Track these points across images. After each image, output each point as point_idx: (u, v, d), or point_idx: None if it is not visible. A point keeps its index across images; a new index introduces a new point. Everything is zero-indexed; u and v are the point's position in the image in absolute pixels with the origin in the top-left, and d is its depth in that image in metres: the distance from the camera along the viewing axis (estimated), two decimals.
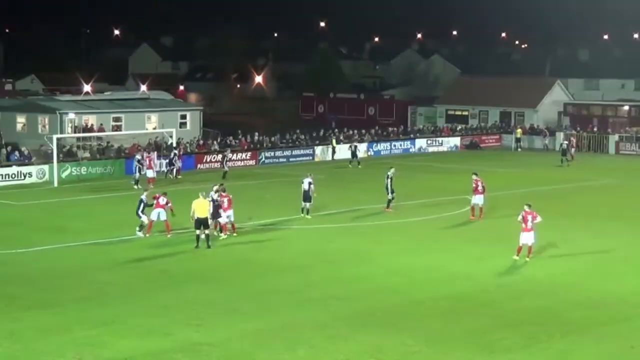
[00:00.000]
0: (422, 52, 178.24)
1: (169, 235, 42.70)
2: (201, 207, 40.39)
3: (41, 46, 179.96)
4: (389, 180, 50.06)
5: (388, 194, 50.10)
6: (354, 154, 73.64)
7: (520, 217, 38.07)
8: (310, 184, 48.00)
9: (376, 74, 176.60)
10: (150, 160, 60.95)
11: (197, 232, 40.29)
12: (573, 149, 79.64)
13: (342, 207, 51.56)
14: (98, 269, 36.34)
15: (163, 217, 42.82)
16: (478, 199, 47.71)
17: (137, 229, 42.93)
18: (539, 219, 37.92)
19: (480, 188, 47.71)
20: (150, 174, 60.22)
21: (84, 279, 34.75)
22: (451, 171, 70.96)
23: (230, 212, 42.41)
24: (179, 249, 40.53)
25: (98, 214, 49.57)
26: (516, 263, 37.54)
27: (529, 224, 37.68)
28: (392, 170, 50.89)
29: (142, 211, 42.69)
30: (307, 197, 47.88)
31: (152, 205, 42.88)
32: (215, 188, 42.99)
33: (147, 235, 42.54)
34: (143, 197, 43.14)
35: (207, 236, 40.17)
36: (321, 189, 57.43)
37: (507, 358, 26.04)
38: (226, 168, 64.91)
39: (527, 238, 37.78)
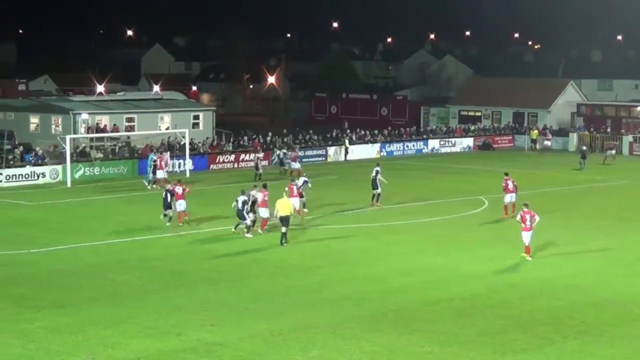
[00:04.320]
0: (434, 52, 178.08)
1: (180, 224, 44.81)
2: (284, 206, 41.36)
3: (54, 47, 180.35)
4: (379, 175, 51.97)
5: (377, 189, 51.66)
6: (281, 163, 69.84)
7: (519, 217, 38.71)
8: (305, 182, 50.06)
9: (389, 74, 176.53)
10: (161, 161, 60.95)
11: (283, 229, 41.06)
12: (613, 151, 78.58)
13: (354, 208, 51.55)
14: (111, 269, 36.39)
15: (182, 207, 45.38)
16: (510, 197, 48.00)
17: (165, 220, 45.59)
18: (537, 218, 38.20)
19: (511, 187, 48.30)
20: (160, 174, 60.18)
21: (96, 279, 34.80)
22: (464, 172, 70.90)
23: (265, 209, 43.34)
24: (191, 249, 40.61)
25: (111, 215, 49.62)
26: (528, 263, 37.47)
27: (528, 223, 38.04)
28: (380, 166, 53.27)
29: (172, 200, 45.48)
30: (301, 193, 49.25)
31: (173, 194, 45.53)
32: (257, 189, 44.40)
33: (180, 224, 45.12)
34: (170, 187, 46.19)
35: (284, 234, 41.05)
36: (333, 189, 57.69)
37: (521, 359, 25.97)
38: (260, 170, 64.97)
39: (526, 236, 38.19)
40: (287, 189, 45.89)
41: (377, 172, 52.35)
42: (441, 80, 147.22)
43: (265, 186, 44.58)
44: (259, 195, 43.36)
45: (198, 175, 66.40)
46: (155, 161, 60.67)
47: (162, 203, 45.84)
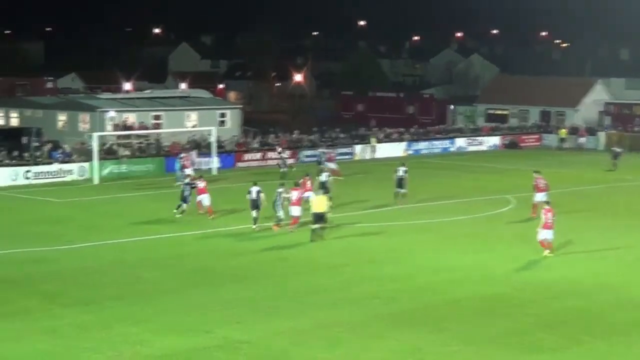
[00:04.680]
0: (461, 51, 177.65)
1: (211, 217, 46.12)
2: (319, 203, 41.83)
3: (82, 45, 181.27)
4: (406, 174, 52.71)
5: (403, 188, 52.24)
6: (319, 162, 68.04)
7: (542, 215, 38.89)
8: (328, 176, 51.55)
9: (416, 72, 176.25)
10: (186, 160, 60.89)
11: (314, 226, 41.42)
12: None
13: (380, 206, 51.45)
14: (137, 267, 36.50)
15: (207, 202, 46.75)
16: (540, 196, 47.60)
17: (178, 212, 46.79)
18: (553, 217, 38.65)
19: (541, 185, 48.06)
20: (187, 172, 60.25)
21: (123, 276, 34.90)
22: (491, 171, 70.65)
23: (298, 207, 43.47)
24: (217, 246, 40.66)
25: (138, 212, 49.74)
26: (555, 263, 37.23)
27: (549, 220, 38.18)
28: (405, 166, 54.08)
29: (189, 195, 46.81)
30: (324, 187, 49.53)
31: (194, 187, 47.28)
32: (285, 187, 45.19)
33: (211, 217, 46.60)
34: (188, 180, 48.84)
35: (322, 229, 41.46)
36: (360, 187, 57.66)
37: (548, 358, 25.80)
38: (285, 168, 64.73)
39: (546, 233, 38.24)
40: (300, 182, 46.54)
41: (405, 171, 52.65)
42: (468, 78, 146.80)
43: (298, 184, 44.72)
44: (293, 194, 43.47)
45: (225, 173, 66.48)
46: (182, 158, 60.86)
47: (180, 195, 47.18)
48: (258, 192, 43.79)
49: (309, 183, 47.60)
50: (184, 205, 46.95)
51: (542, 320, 29.14)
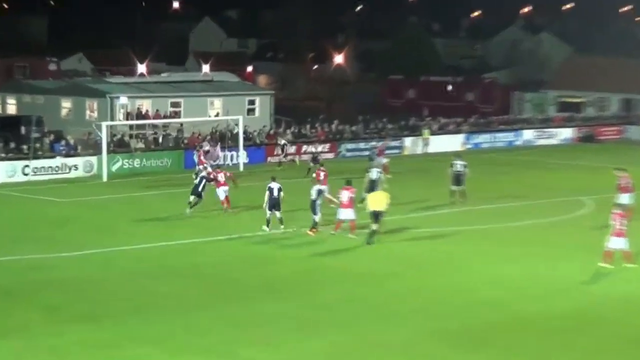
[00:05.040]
0: (528, 28, 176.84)
1: (230, 210, 48.42)
2: (378, 200, 42.24)
3: (90, 21, 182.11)
4: (466, 169, 53.14)
5: (461, 184, 52.69)
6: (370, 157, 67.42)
7: (612, 220, 38.22)
8: (379, 172, 51.45)
9: (475, 54, 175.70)
10: (199, 156, 60.67)
11: (373, 226, 41.94)
12: None
13: (435, 208, 51.36)
14: (152, 277, 36.63)
15: (222, 196, 48.52)
16: (624, 198, 47.14)
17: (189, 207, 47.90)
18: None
19: (626, 185, 47.72)
20: (201, 168, 60.31)
21: (135, 288, 35.02)
22: (563, 168, 70.35)
23: (349, 210, 43.35)
24: (245, 254, 40.70)
25: (153, 213, 49.98)
26: (635, 273, 36.92)
27: (618, 226, 37.66)
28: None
29: (203, 189, 47.99)
30: (373, 187, 49.10)
31: (212, 180, 48.59)
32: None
33: (228, 209, 48.58)
34: (204, 174, 49.64)
35: (374, 231, 41.81)
36: (410, 186, 57.51)
37: None
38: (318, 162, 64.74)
39: (620, 242, 37.75)
40: (314, 175, 48.24)
41: (464, 165, 52.89)
42: (536, 60, 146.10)
43: (349, 183, 44.35)
44: (344, 194, 43.25)
45: (253, 168, 66.52)
46: (198, 151, 61.00)
47: (193, 189, 48.32)
48: (279, 190, 44.20)
49: (322, 175, 48.13)
50: (195, 199, 48.10)
51: (627, 339, 28.92)
